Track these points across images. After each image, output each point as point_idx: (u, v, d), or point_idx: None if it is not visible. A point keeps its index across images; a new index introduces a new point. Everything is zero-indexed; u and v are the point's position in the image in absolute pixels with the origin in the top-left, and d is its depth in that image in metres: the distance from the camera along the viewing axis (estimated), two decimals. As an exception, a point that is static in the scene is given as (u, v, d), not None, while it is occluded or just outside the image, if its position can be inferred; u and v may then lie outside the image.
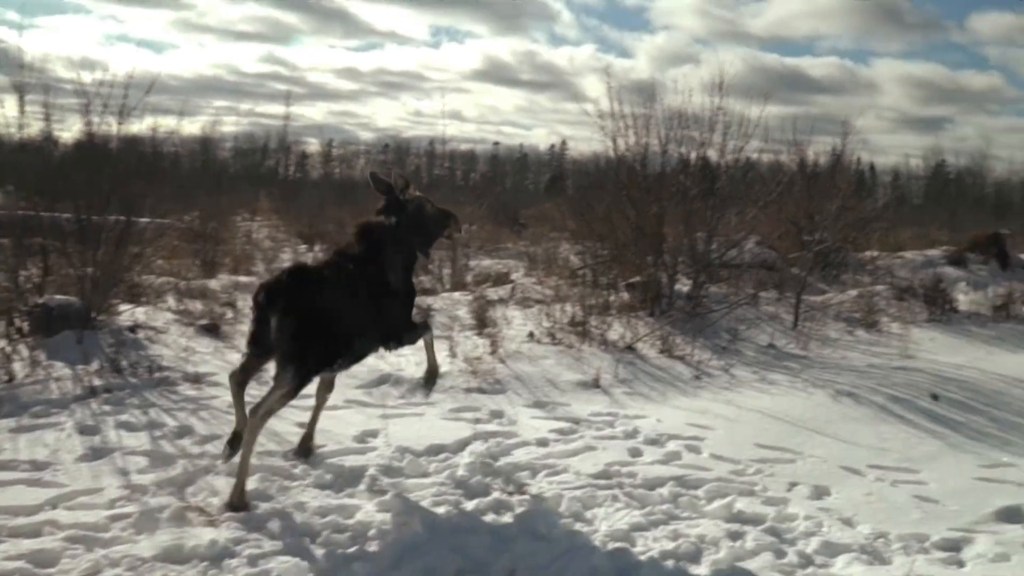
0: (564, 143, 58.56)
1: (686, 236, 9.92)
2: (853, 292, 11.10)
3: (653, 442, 5.48)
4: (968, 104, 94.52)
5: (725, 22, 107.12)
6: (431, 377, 5.27)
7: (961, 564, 3.96)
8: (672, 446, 5.42)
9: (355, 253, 4.78)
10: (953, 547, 4.10)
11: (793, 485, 4.84)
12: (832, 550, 3.99)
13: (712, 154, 10.59)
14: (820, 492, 4.76)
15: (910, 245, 16.99)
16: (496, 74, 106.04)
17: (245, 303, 8.01)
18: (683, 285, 9.77)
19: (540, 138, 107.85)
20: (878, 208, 14.39)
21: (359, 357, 4.82)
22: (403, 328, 4.95)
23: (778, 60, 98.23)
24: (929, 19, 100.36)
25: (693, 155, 10.61)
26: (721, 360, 7.81)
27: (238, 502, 4.09)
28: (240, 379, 4.51)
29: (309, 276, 4.51)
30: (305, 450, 4.90)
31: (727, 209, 10.15)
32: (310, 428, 4.98)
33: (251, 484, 4.23)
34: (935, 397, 6.74)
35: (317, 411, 5.02)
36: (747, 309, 9.59)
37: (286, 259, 12.31)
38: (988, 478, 5.12)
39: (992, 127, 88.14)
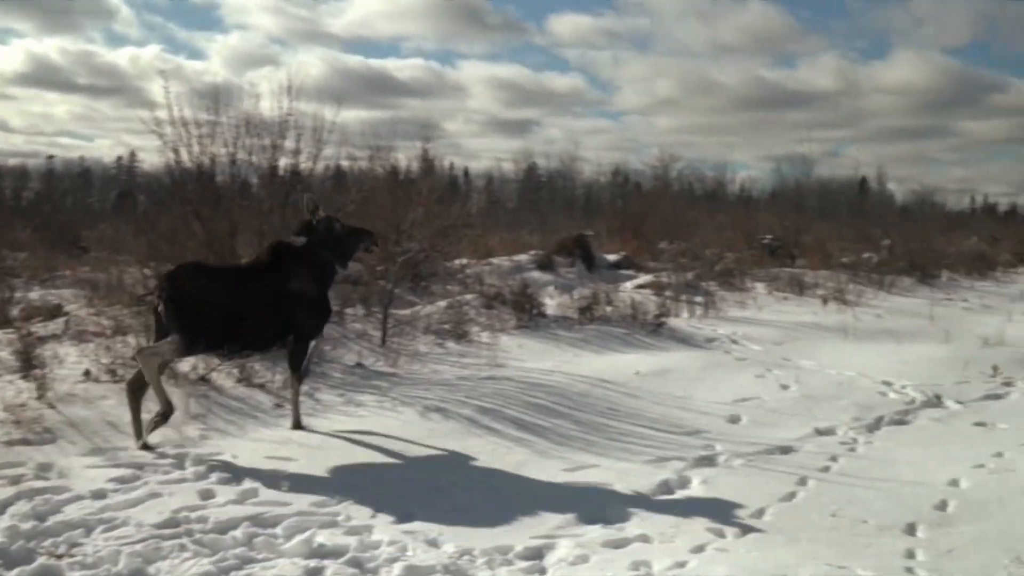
0: (133, 155, 55.64)
1: (263, 253, 9.92)
2: (443, 303, 11.75)
3: (228, 481, 5.47)
4: (554, 106, 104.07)
5: (303, 21, 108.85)
6: (297, 423, 6.75)
7: (543, 571, 4.38)
8: (249, 483, 5.45)
9: (259, 263, 6.76)
10: (535, 555, 4.53)
11: (378, 511, 5.07)
12: (415, 574, 4.25)
13: (286, 162, 10.69)
14: (406, 515, 5.02)
15: (501, 251, 18.28)
16: (46, 78, 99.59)
17: None
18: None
19: (104, 150, 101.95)
20: (465, 214, 15.35)
21: (252, 347, 6.61)
22: (305, 330, 6.71)
23: (362, 62, 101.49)
24: (510, 21, 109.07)
25: (265, 164, 10.64)
26: (305, 385, 7.93)
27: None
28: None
29: (199, 270, 6.51)
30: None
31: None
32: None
33: None
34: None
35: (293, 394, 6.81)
36: (333, 327, 9.80)
37: None
38: (572, 481, 5.71)
39: (578, 129, 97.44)
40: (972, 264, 21.23)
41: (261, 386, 7.73)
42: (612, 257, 18.16)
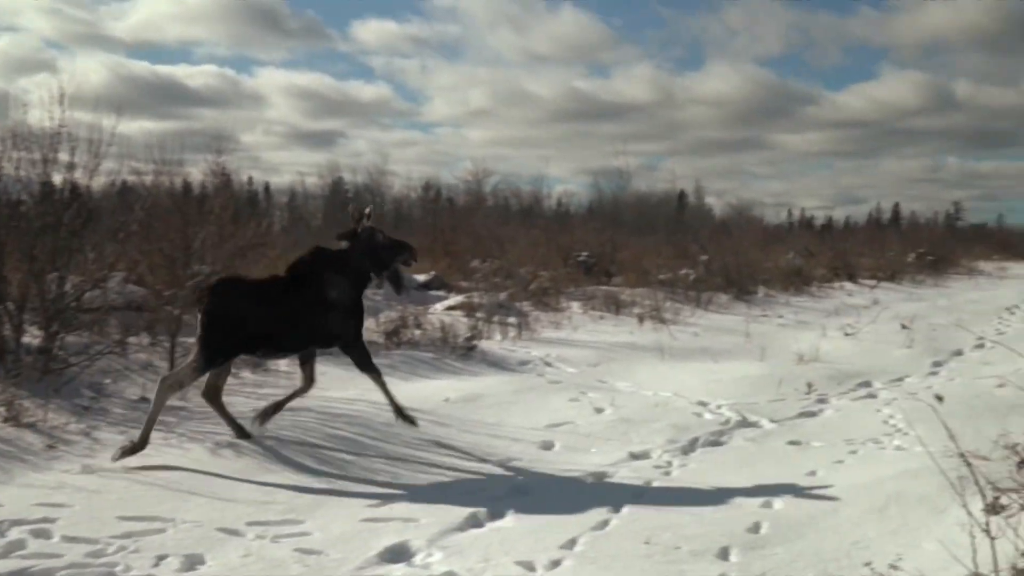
0: None
1: (34, 278, 9.46)
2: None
3: (-11, 533, 5.20)
4: (360, 117, 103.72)
5: (82, 24, 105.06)
6: (400, 413, 7.51)
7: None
8: (15, 534, 5.20)
9: (297, 271, 7.47)
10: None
11: (161, 558, 4.92)
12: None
13: (60, 177, 10.22)
14: (193, 561, 4.89)
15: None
16: None
17: None
18: (33, 337, 9.32)
19: None
20: (264, 232, 15.05)
21: (287, 349, 7.52)
22: (345, 336, 7.50)
23: (149, 68, 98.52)
24: (310, 26, 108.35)
25: (36, 180, 10.15)
26: (82, 423, 7.64)
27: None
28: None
29: (233, 285, 7.47)
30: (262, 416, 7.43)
31: (84, 242, 9.90)
32: (279, 402, 7.60)
33: None
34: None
35: (289, 397, 7.63)
36: (114, 359, 9.46)
37: None
38: (375, 518, 5.68)
39: (386, 141, 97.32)
40: (788, 279, 22.30)
41: (31, 426, 7.38)
42: (422, 277, 18.17)
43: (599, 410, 8.76)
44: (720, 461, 7.22)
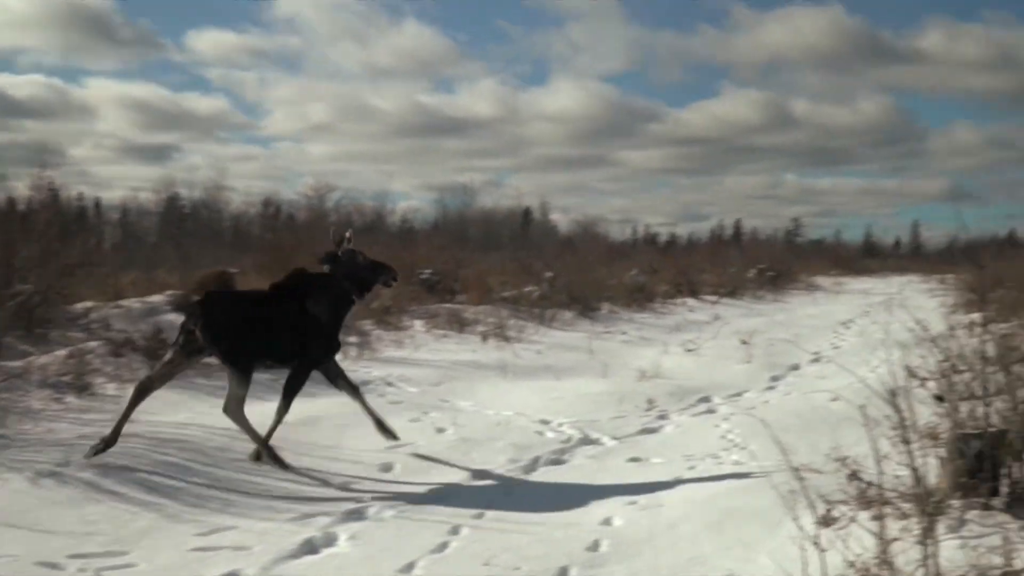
0: None
1: None
2: (63, 352, 11.10)
3: None
4: (195, 130, 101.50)
5: None
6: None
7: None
8: None
9: (280, 288, 7.90)
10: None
11: (-32, 601, 4.72)
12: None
13: None
14: (4, 602, 4.71)
15: (133, 291, 17.51)
16: None
17: None
18: None
19: None
20: (92, 250, 14.62)
21: (277, 359, 7.81)
22: (316, 353, 7.85)
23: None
24: (144, 35, 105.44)
25: None
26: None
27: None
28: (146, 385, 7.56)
29: (225, 298, 8.30)
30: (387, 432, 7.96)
31: None
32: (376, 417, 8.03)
33: None
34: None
35: (363, 407, 8.06)
36: (-78, 385, 9.01)
37: None
38: (205, 547, 5.56)
39: (224, 155, 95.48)
40: (632, 296, 22.75)
41: None
42: (260, 296, 17.89)
43: (440, 430, 8.77)
44: (561, 479, 7.32)
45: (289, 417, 8.74)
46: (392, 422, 8.24)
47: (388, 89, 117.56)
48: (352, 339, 13.74)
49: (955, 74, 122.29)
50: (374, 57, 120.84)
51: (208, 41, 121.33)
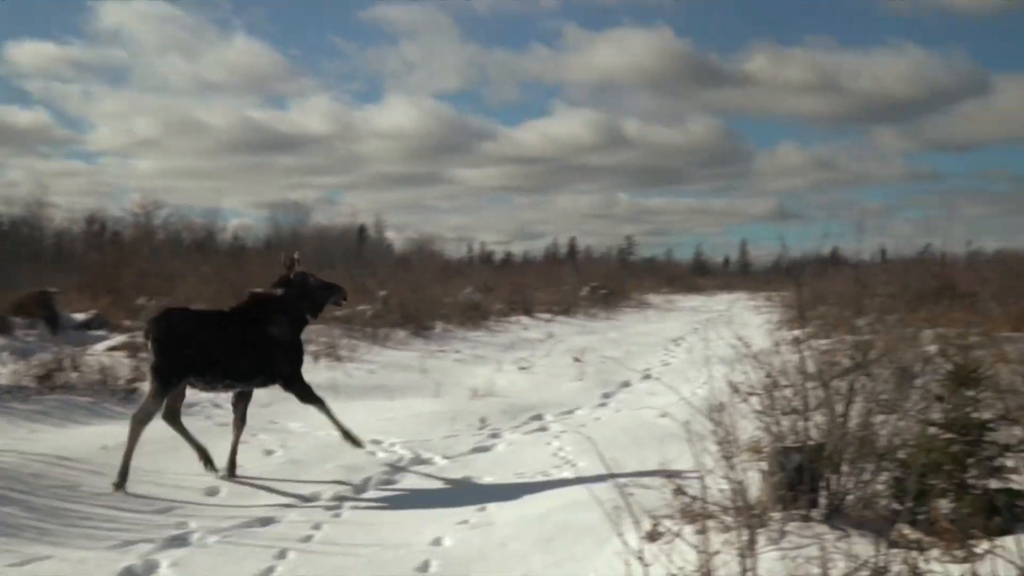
0: None
1: None
2: None
3: None
4: (15, 145, 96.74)
5: None
6: (347, 437, 8.29)
7: None
8: None
9: (240, 310, 8.34)
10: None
11: None
12: None
13: None
14: None
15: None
16: None
17: None
18: None
19: None
20: None
21: (232, 379, 8.01)
22: (287, 372, 8.28)
23: None
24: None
25: None
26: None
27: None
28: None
29: (179, 315, 8.25)
30: (231, 467, 7.90)
31: None
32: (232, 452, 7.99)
33: None
34: None
35: (235, 437, 8.07)
36: None
37: None
38: (19, 578, 5.34)
39: (46, 171, 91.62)
40: (466, 314, 22.85)
41: None
42: (81, 316, 17.26)
43: (269, 452, 8.64)
44: (392, 500, 7.30)
45: (109, 441, 8.53)
46: (219, 445, 8.08)
47: (218, 104, 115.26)
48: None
49: (780, 97, 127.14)
50: (203, 71, 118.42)
51: (27, 53, 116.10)
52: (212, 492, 7.38)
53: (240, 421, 8.19)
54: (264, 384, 8.34)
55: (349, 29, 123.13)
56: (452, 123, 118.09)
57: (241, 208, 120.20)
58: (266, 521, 6.60)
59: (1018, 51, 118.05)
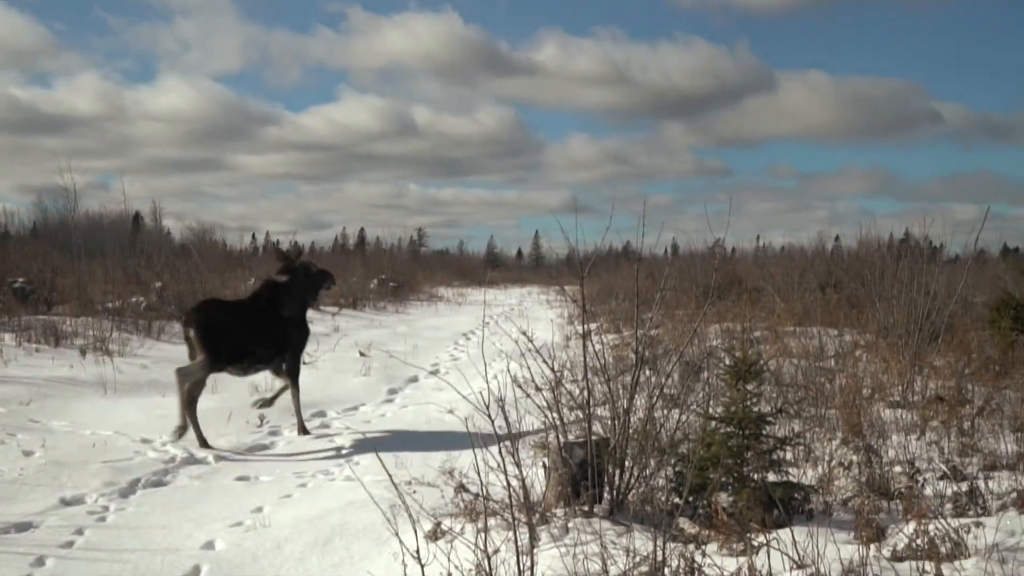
0: None
1: None
2: None
3: None
4: None
5: None
6: (302, 428, 9.79)
7: None
8: None
9: (260, 295, 10.22)
10: None
11: None
12: None
13: None
14: None
15: None
16: None
17: None
18: None
19: None
20: None
21: (261, 360, 9.74)
22: (293, 347, 10.08)
23: None
24: None
25: None
26: None
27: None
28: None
29: (215, 305, 9.90)
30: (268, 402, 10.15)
31: None
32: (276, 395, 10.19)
33: None
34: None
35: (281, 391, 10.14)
36: None
37: None
38: None
39: None
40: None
41: None
42: None
43: (28, 453, 8.22)
44: (163, 502, 7.09)
45: None
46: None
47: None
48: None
49: (571, 88, 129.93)
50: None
51: None
52: (-40, 498, 6.98)
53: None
54: (282, 362, 9.91)
55: (118, 4, 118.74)
56: (232, 106, 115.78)
57: (5, 193, 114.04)
58: (23, 527, 6.28)
59: (801, 49, 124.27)
